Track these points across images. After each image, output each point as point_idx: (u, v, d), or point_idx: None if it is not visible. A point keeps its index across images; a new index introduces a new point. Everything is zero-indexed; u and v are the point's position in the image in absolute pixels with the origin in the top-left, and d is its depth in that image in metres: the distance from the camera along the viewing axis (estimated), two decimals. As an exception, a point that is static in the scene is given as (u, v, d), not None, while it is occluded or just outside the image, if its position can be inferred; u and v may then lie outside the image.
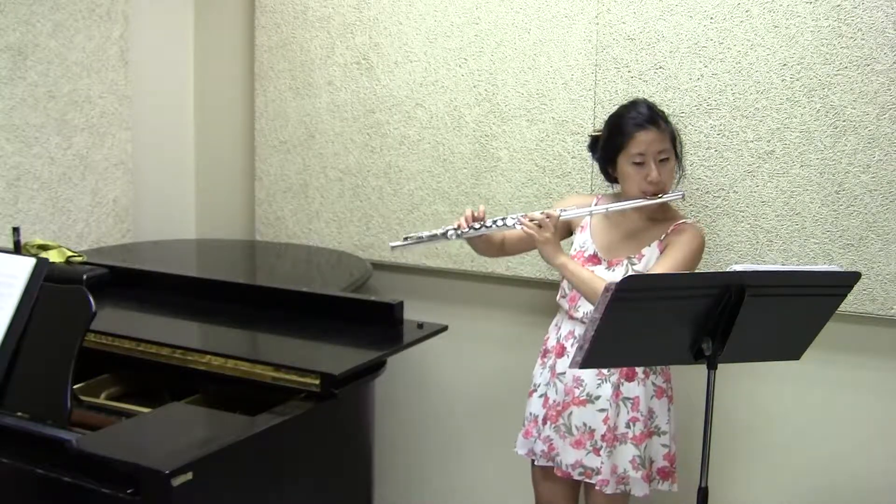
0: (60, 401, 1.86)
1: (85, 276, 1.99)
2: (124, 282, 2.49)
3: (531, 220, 2.38)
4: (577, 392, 2.43)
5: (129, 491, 1.69)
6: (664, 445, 2.44)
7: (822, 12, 2.53)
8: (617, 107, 2.47)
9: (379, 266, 3.15)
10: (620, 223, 2.49)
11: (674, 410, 2.47)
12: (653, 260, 2.40)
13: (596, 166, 2.58)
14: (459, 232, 2.47)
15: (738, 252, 2.69)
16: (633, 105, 2.42)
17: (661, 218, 2.46)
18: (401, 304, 2.41)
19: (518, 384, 2.68)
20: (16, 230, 2.13)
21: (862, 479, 2.68)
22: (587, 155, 2.64)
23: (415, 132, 3.14)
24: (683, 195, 2.42)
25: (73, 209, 3.19)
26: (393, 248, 2.57)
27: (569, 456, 2.44)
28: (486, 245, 2.60)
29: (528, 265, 2.97)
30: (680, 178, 2.51)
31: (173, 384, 2.27)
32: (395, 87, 3.16)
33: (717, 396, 1.95)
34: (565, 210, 2.44)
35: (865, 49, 2.49)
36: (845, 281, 1.98)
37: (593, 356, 1.90)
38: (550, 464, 2.50)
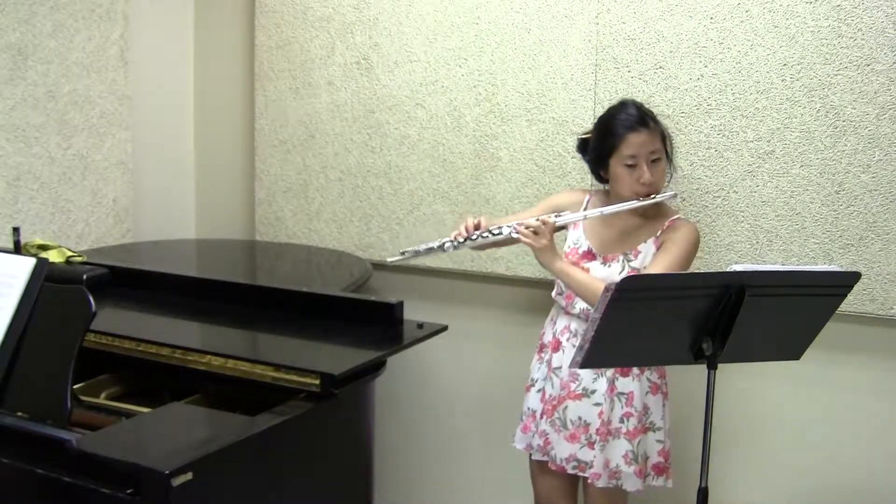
0: (60, 401, 1.85)
1: (85, 276, 1.98)
2: (124, 282, 2.49)
3: (527, 228, 2.38)
4: (572, 386, 2.44)
5: (128, 491, 1.69)
6: (659, 441, 2.45)
7: (822, 12, 2.53)
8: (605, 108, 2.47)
9: (379, 266, 3.15)
10: (614, 222, 2.49)
11: (668, 406, 2.48)
12: (649, 256, 2.41)
13: (593, 167, 2.58)
14: (456, 244, 2.48)
15: (738, 252, 2.69)
16: (622, 106, 2.42)
17: (654, 215, 2.46)
18: (401, 304, 2.41)
19: (518, 384, 2.68)
20: (16, 230, 2.13)
21: (862, 479, 2.68)
22: (586, 155, 2.64)
23: (415, 132, 3.14)
24: (676, 194, 2.42)
25: (73, 209, 3.19)
26: (391, 262, 2.62)
27: (563, 450, 2.45)
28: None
29: (527, 265, 2.97)
30: (671, 176, 2.51)
31: (173, 384, 2.27)
32: (395, 87, 3.16)
33: (717, 396, 1.95)
34: (560, 216, 2.43)
35: (865, 49, 2.49)
36: (845, 281, 1.98)
37: (593, 356, 1.90)
38: (546, 458, 2.51)
